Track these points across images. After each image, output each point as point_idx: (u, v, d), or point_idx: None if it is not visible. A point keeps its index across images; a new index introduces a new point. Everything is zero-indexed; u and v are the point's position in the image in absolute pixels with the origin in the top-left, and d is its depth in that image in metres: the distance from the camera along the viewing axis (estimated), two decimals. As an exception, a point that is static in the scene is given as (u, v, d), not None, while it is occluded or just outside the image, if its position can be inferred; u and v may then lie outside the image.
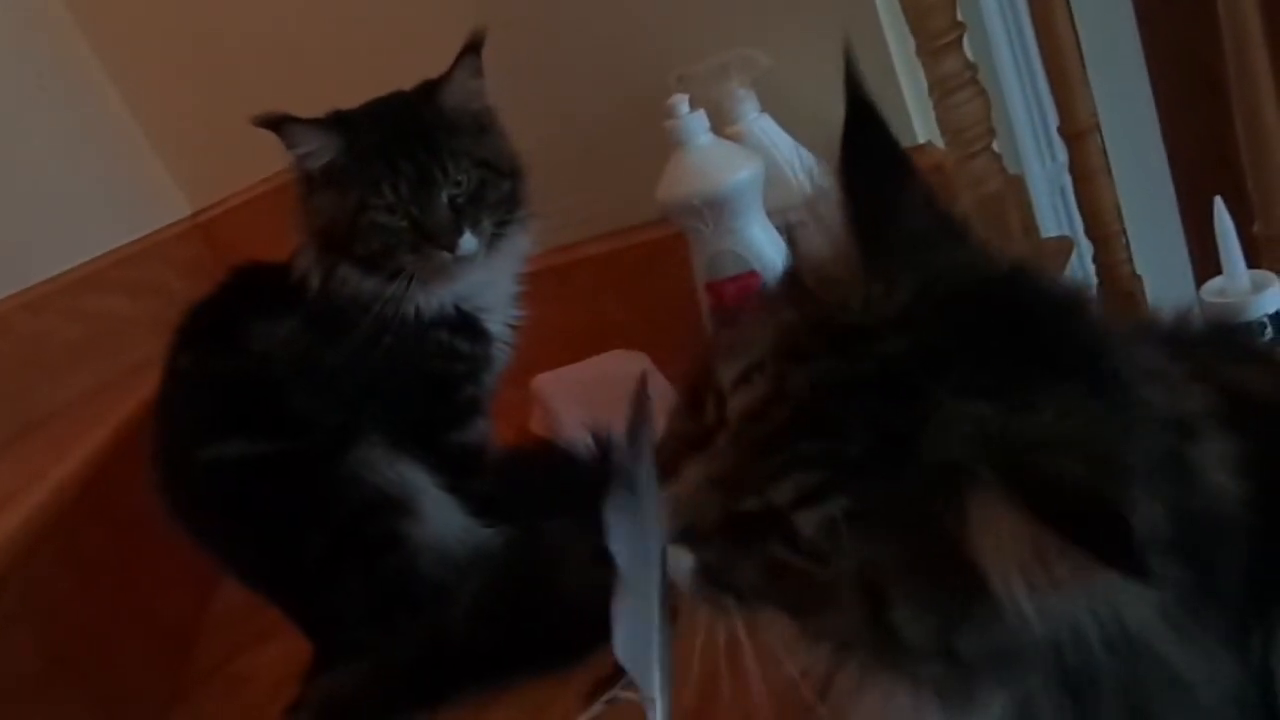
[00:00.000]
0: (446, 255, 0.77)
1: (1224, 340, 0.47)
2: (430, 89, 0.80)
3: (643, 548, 0.43)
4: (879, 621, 0.34)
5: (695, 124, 0.84)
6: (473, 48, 0.79)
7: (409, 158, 0.76)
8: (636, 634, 0.46)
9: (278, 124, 0.76)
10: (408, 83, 0.81)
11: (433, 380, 0.82)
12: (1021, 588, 0.31)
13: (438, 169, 0.77)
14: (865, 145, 0.37)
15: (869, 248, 0.36)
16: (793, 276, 0.40)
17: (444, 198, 0.77)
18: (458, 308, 0.82)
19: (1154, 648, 0.33)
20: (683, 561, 0.40)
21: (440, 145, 0.77)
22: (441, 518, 0.81)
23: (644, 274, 1.12)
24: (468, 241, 0.78)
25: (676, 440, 0.43)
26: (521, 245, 0.84)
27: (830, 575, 0.35)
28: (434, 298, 0.80)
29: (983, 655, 0.34)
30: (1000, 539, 0.31)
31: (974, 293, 0.35)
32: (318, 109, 0.73)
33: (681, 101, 0.84)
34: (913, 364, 0.34)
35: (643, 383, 0.47)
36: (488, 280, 0.82)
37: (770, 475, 0.35)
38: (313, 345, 0.79)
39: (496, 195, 0.80)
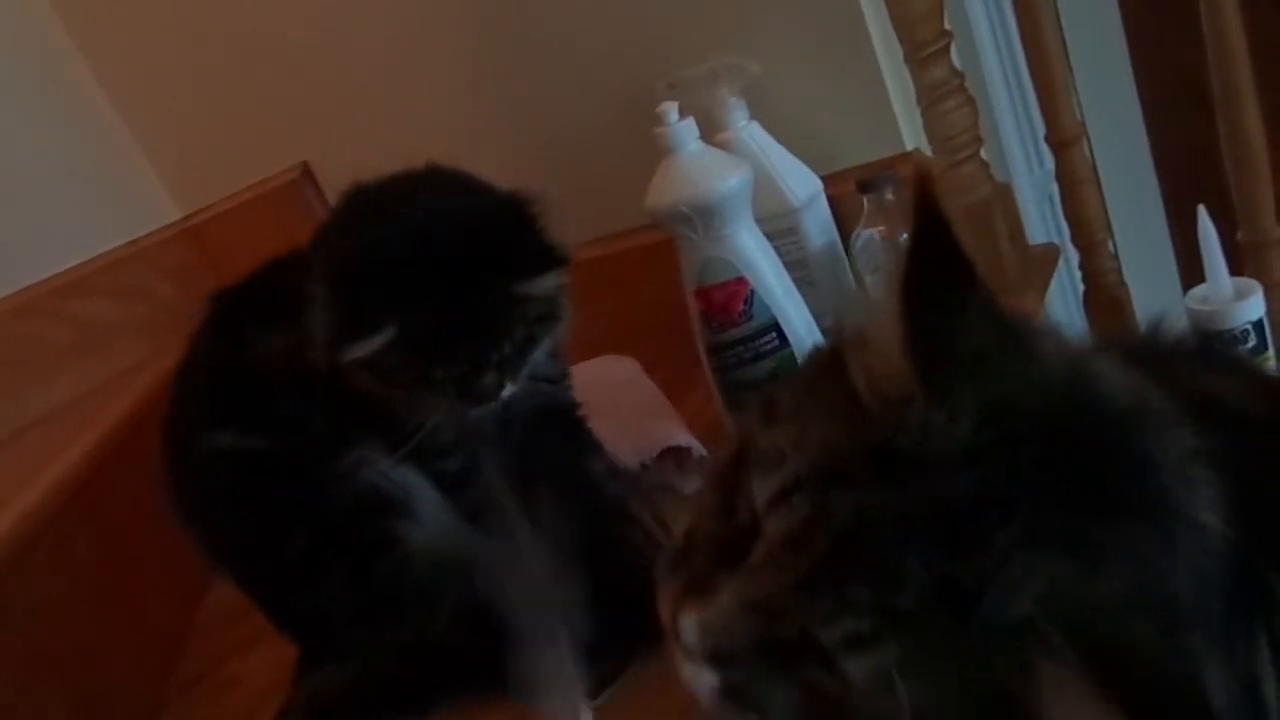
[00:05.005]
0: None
1: (1200, 350, 0.47)
2: (508, 277, 0.70)
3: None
4: None
5: (685, 131, 0.84)
6: (564, 261, 0.72)
7: (468, 342, 0.71)
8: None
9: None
10: (397, 86, 0.78)
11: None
12: None
13: (495, 353, 0.72)
14: (930, 257, 0.35)
15: (928, 366, 0.34)
16: (841, 377, 0.37)
17: (494, 370, 0.72)
18: None
19: None
20: (705, 679, 0.38)
21: (503, 336, 0.72)
22: (437, 521, 0.80)
23: (634, 279, 1.12)
24: (506, 392, 0.73)
25: (705, 545, 0.39)
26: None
27: (875, 709, 0.33)
28: None
29: None
30: (1072, 707, 0.30)
31: (1035, 427, 0.34)
32: (306, 113, 0.72)
33: (671, 109, 0.84)
34: (975, 508, 0.32)
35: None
36: None
37: (816, 615, 0.34)
38: (307, 364, 0.78)
39: (543, 336, 0.75)
